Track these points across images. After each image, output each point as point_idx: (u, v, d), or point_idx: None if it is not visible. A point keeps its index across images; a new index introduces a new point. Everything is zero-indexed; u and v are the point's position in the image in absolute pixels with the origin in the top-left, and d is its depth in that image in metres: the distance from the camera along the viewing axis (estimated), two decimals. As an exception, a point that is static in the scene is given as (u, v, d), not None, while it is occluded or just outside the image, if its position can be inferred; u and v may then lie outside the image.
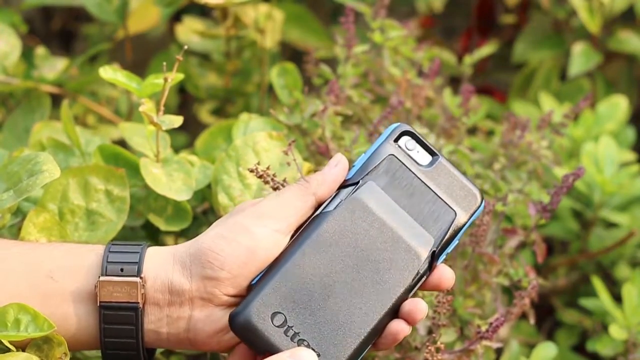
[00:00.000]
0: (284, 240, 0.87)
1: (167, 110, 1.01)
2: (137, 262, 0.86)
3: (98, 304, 0.86)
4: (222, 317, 0.87)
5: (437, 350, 0.95)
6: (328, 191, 0.88)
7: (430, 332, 1.03)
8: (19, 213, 1.02)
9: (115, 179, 1.00)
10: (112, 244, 0.88)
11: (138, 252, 0.87)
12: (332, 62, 1.25)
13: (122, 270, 0.86)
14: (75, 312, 0.86)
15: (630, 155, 1.34)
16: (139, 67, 1.26)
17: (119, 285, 0.86)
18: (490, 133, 1.37)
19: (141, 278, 0.86)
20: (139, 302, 0.86)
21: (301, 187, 0.89)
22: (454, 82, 1.44)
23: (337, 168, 0.89)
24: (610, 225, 1.36)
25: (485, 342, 1.00)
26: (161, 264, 0.87)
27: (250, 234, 0.86)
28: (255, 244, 0.86)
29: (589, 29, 1.44)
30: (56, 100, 1.28)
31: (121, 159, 1.04)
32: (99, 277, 0.86)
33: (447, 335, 1.04)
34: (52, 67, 1.30)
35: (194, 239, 0.88)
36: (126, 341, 0.86)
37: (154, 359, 0.92)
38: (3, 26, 1.25)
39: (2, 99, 1.28)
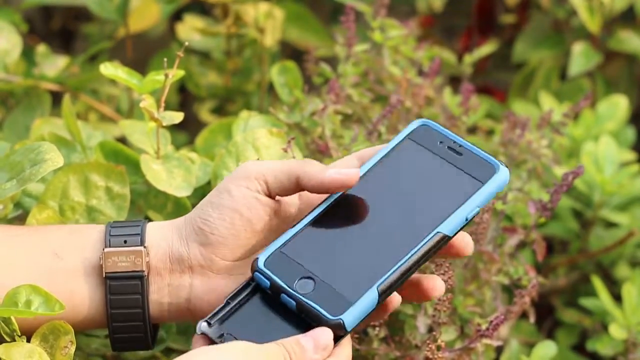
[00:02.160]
0: (267, 200, 0.88)
1: (168, 109, 1.01)
2: (139, 234, 0.88)
3: (104, 275, 0.87)
4: (222, 285, 0.88)
5: (438, 348, 0.95)
6: (314, 190, 0.87)
7: (430, 330, 1.03)
8: (20, 207, 1.02)
9: (116, 176, 1.00)
10: (113, 222, 0.90)
11: (139, 226, 0.89)
12: (332, 61, 1.25)
13: (125, 242, 0.88)
14: (82, 287, 0.88)
15: (630, 155, 1.34)
16: (139, 65, 1.26)
17: (124, 254, 0.87)
18: (490, 132, 1.37)
19: (145, 247, 0.88)
20: (144, 270, 0.87)
21: (292, 165, 0.88)
22: (454, 82, 1.44)
23: (339, 175, 0.87)
24: (610, 225, 1.36)
25: (485, 340, 1.00)
26: (162, 234, 0.89)
27: (230, 196, 0.87)
28: (236, 205, 0.87)
29: (589, 29, 1.44)
30: (57, 98, 1.28)
31: (122, 156, 1.04)
32: (103, 249, 0.88)
33: (448, 334, 1.04)
34: (53, 64, 1.30)
35: (193, 209, 0.90)
36: (132, 311, 0.88)
37: (157, 335, 0.93)
38: (3, 24, 1.25)
39: (2, 97, 1.28)
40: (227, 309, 0.85)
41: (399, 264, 0.84)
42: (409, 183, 0.88)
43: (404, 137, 0.90)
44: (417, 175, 0.89)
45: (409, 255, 0.84)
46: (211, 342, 0.84)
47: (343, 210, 0.87)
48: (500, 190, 0.88)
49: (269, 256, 0.85)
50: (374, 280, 0.83)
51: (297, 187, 0.88)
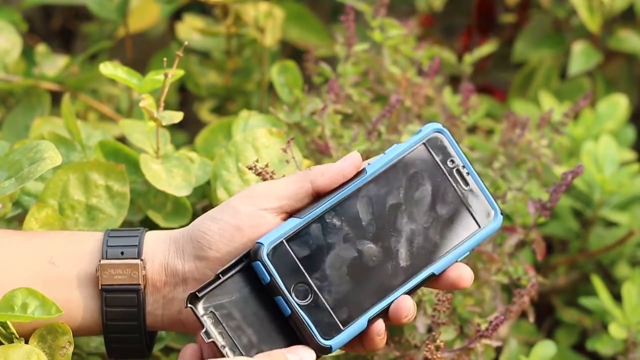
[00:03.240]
0: (274, 220, 0.87)
1: (167, 109, 1.01)
2: (137, 245, 0.88)
3: (99, 288, 0.87)
4: None
5: (437, 348, 0.95)
6: (329, 182, 0.87)
7: (429, 330, 1.03)
8: (19, 206, 1.02)
9: (116, 175, 1.00)
10: (111, 230, 0.89)
11: (137, 236, 0.88)
12: (332, 61, 1.25)
13: (122, 253, 0.87)
14: (77, 296, 0.87)
15: (630, 155, 1.34)
16: (139, 65, 1.26)
17: (120, 267, 0.87)
18: (490, 132, 1.37)
19: (142, 260, 0.87)
20: (140, 284, 0.87)
21: (300, 173, 0.88)
22: (454, 81, 1.44)
23: (344, 162, 0.87)
24: (610, 224, 1.36)
25: (484, 341, 1.00)
26: (159, 246, 0.88)
27: (235, 212, 0.86)
28: (239, 222, 0.86)
29: (589, 28, 1.44)
30: (56, 98, 1.28)
31: (121, 155, 1.04)
32: (100, 260, 0.87)
33: (447, 334, 1.04)
34: (53, 64, 1.31)
35: (191, 223, 0.89)
36: (129, 324, 0.87)
37: (154, 343, 0.93)
38: (4, 23, 1.26)
39: (2, 97, 1.28)
40: (216, 284, 0.85)
41: (390, 296, 0.86)
42: (415, 201, 0.88)
43: (419, 142, 0.89)
44: (424, 195, 0.89)
45: (401, 289, 0.86)
46: (196, 318, 0.84)
47: (349, 211, 0.87)
48: (490, 235, 0.90)
49: (272, 246, 0.85)
50: (365, 309, 0.85)
51: (311, 188, 0.87)
